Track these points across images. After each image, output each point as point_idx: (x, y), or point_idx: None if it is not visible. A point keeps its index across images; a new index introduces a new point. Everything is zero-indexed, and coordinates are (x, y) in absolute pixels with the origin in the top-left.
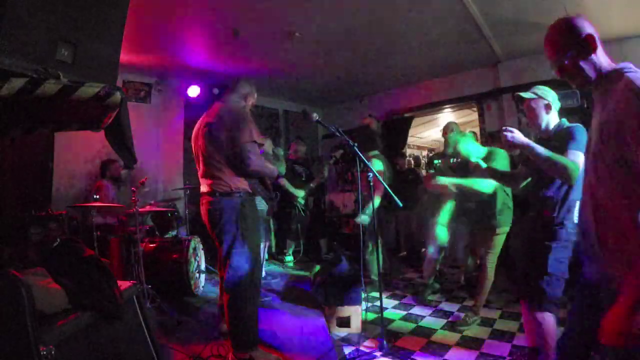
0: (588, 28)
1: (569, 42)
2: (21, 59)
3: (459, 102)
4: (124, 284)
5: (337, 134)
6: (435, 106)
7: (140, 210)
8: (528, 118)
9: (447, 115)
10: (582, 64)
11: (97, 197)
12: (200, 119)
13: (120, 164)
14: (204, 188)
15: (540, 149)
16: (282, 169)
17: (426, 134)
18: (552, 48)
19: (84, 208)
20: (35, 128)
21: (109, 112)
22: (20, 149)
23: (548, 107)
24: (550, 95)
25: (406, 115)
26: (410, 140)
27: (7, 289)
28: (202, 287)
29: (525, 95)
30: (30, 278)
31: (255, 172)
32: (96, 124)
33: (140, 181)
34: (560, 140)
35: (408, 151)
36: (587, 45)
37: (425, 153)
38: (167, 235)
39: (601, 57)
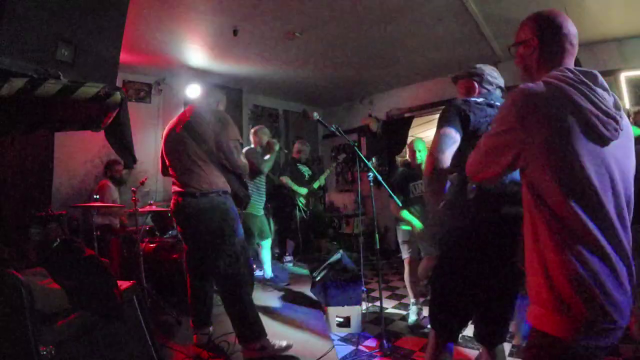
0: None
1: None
2: (21, 59)
3: None
4: (124, 284)
5: (338, 133)
6: (435, 106)
7: (140, 210)
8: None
9: None
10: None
11: (97, 197)
12: (174, 119)
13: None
14: (179, 187)
15: None
16: (269, 164)
17: (426, 134)
18: None
19: (84, 208)
20: (35, 128)
21: (109, 112)
22: (20, 149)
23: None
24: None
25: (406, 115)
26: (410, 140)
27: (7, 289)
28: None
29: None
30: (30, 278)
31: (240, 168)
32: (96, 124)
33: (140, 181)
34: None
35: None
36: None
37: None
38: (167, 235)
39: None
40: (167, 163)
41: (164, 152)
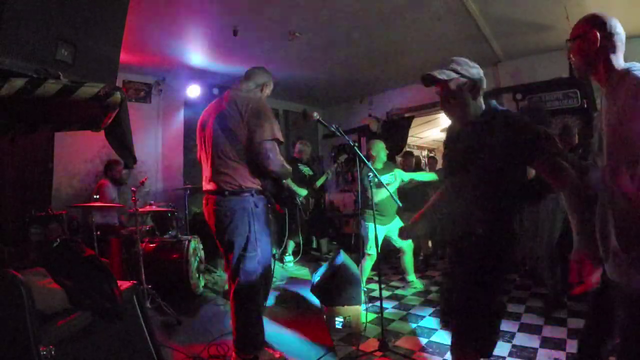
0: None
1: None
2: (21, 59)
3: None
4: (124, 284)
5: (338, 133)
6: (435, 106)
7: (140, 210)
8: (445, 107)
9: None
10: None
11: (97, 196)
12: (210, 105)
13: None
14: (209, 186)
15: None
16: (302, 192)
17: (426, 134)
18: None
19: (84, 208)
20: (36, 128)
21: (109, 112)
22: (20, 149)
23: (475, 90)
24: (475, 71)
25: (406, 115)
26: (410, 140)
27: (7, 289)
28: (202, 287)
29: (441, 75)
30: (30, 278)
31: (274, 173)
32: (96, 124)
33: (140, 181)
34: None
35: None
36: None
37: (425, 153)
38: (167, 235)
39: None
40: (200, 154)
41: (198, 142)
